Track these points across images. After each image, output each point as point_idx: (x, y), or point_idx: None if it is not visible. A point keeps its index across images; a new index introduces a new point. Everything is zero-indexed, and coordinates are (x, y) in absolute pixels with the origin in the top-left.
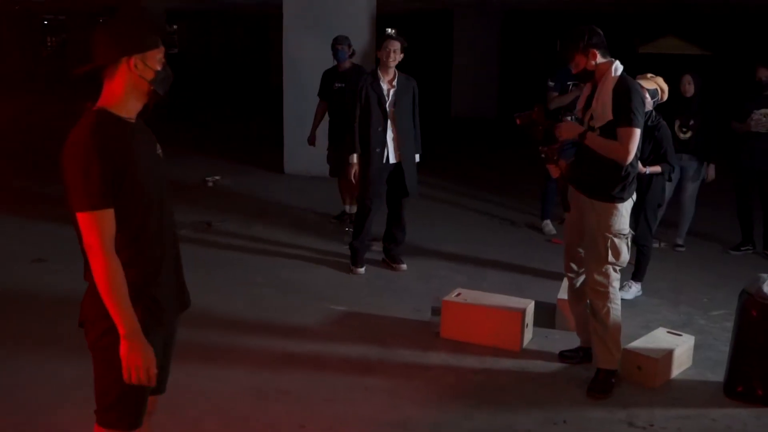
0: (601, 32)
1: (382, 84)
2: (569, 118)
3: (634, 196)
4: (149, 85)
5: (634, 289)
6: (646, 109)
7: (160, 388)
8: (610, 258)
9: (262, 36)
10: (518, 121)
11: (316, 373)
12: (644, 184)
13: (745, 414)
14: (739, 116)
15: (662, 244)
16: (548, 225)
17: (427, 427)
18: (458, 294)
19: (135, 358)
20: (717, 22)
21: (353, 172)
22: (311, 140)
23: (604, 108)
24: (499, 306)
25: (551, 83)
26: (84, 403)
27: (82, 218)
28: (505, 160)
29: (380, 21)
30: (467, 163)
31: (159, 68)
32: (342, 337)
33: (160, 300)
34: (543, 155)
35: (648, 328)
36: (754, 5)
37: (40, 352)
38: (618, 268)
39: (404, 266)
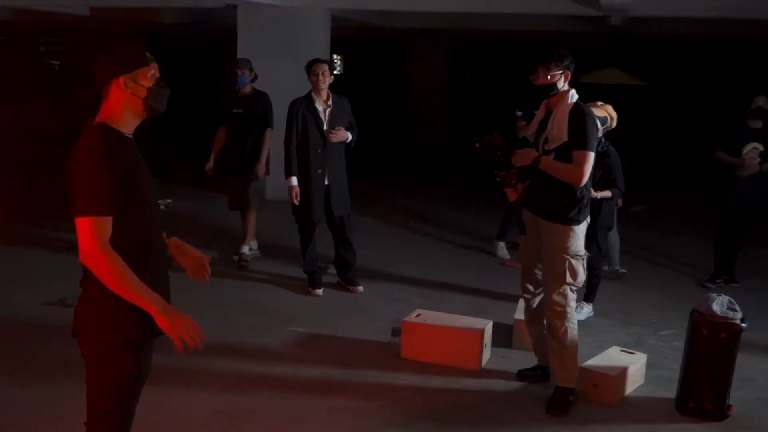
0: None
1: (317, 106)
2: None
3: (589, 219)
4: (143, 102)
5: (586, 310)
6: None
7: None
8: (568, 279)
9: (212, 60)
10: (477, 145)
11: (282, 394)
12: (595, 208)
13: (697, 429)
14: (729, 149)
15: (610, 267)
16: (502, 248)
17: None
18: (418, 315)
19: (179, 326)
20: (655, 54)
21: (294, 194)
22: (208, 170)
23: (560, 130)
24: (459, 326)
25: (519, 113)
26: (57, 422)
27: (81, 223)
28: (455, 184)
29: (335, 48)
30: (418, 187)
31: (150, 85)
32: (305, 359)
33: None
34: (500, 179)
35: (601, 347)
36: (690, 37)
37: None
38: (575, 288)
39: (360, 288)
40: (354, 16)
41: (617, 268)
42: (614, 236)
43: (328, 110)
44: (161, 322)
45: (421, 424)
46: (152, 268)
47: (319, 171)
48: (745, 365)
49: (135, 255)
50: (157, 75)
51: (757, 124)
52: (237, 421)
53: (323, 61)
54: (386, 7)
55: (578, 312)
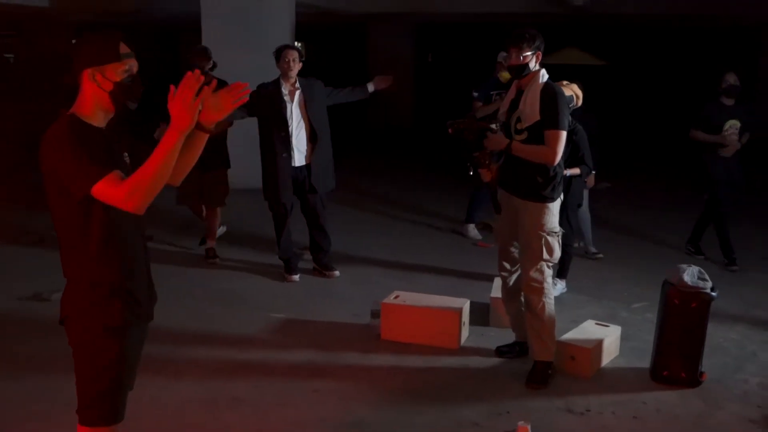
0: None
1: (283, 89)
2: (494, 125)
3: (562, 196)
4: (108, 96)
5: (559, 287)
6: None
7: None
8: (545, 255)
9: (173, 48)
10: (450, 130)
11: (265, 380)
12: (565, 185)
13: (672, 396)
14: (706, 126)
15: (580, 243)
16: (473, 230)
17: (381, 426)
18: (396, 296)
19: (184, 109)
20: (614, 34)
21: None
22: None
23: (532, 109)
24: (437, 306)
25: (476, 94)
26: (47, 414)
27: (97, 192)
28: (422, 168)
29: (298, 35)
30: (386, 171)
31: (119, 80)
32: (286, 344)
33: (136, 294)
34: (474, 161)
35: (576, 322)
36: (650, 16)
37: None
38: (551, 264)
39: (336, 273)
40: (318, 2)
41: (591, 248)
42: (585, 213)
43: (297, 92)
44: (180, 127)
45: (404, 403)
46: (125, 251)
47: (284, 154)
48: (713, 333)
49: (106, 237)
50: (132, 72)
51: (730, 102)
52: (222, 408)
53: (293, 48)
54: None
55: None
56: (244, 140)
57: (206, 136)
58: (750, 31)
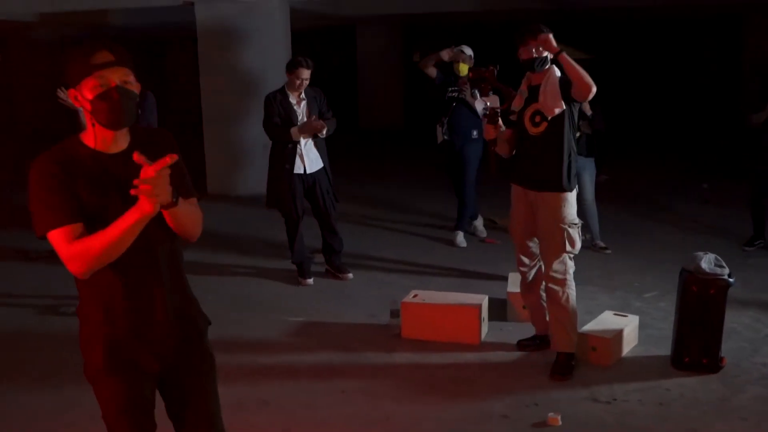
0: None
1: (291, 100)
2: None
3: (577, 188)
4: (91, 116)
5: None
6: None
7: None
8: (567, 247)
9: (160, 62)
10: (470, 75)
11: (290, 382)
12: None
13: (694, 382)
14: (756, 108)
15: (587, 236)
16: (460, 236)
17: (409, 420)
18: (415, 295)
19: (151, 195)
20: (600, 27)
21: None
22: None
23: (554, 100)
24: (456, 303)
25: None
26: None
27: (50, 240)
28: (418, 168)
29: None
30: (383, 173)
31: (92, 97)
32: (307, 347)
33: (120, 338)
34: (488, 113)
35: (591, 313)
36: (635, 10)
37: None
38: (572, 255)
39: (350, 275)
40: (308, 7)
41: (599, 242)
42: (591, 206)
43: (303, 103)
44: (145, 210)
45: (431, 398)
46: (109, 288)
47: (287, 166)
48: (726, 319)
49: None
50: (110, 85)
51: None
52: (251, 412)
53: (308, 68)
54: None
55: None
56: (249, 145)
57: (175, 209)
58: (733, 19)
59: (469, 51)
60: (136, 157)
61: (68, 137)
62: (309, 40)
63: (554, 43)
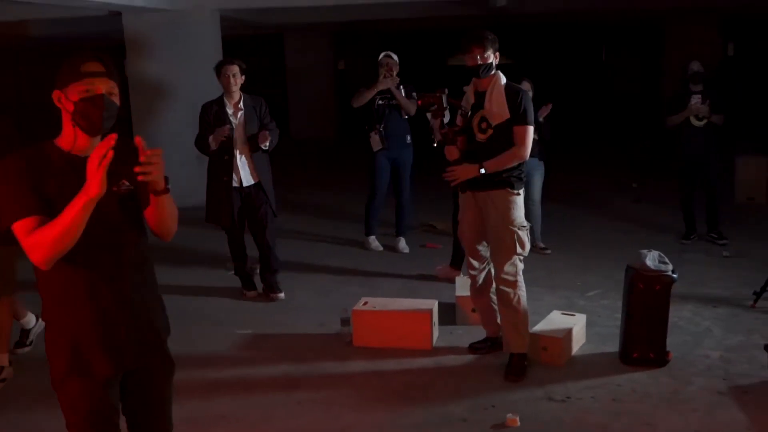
0: None
1: (227, 110)
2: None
3: (522, 191)
4: (71, 118)
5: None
6: None
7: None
8: (518, 249)
9: None
10: (419, 102)
11: (245, 396)
12: None
13: (644, 376)
14: (674, 110)
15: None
16: (374, 242)
17: (370, 429)
18: (365, 303)
19: (93, 183)
20: (521, 33)
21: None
22: None
23: (500, 108)
24: (408, 309)
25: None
26: None
27: (15, 234)
28: (352, 177)
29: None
30: (318, 182)
31: (77, 100)
32: (259, 359)
33: (83, 342)
34: (442, 137)
35: (538, 313)
36: (565, 15)
37: None
38: (522, 258)
39: (281, 295)
40: (237, 15)
41: (540, 243)
42: (538, 208)
43: (240, 113)
44: (90, 193)
45: (389, 405)
46: (73, 297)
47: (225, 178)
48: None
49: (47, 277)
50: (95, 91)
51: (698, 88)
52: (207, 427)
53: (233, 63)
54: (273, 4)
55: None
56: (181, 156)
57: (164, 198)
58: (655, 25)
59: (395, 57)
60: (138, 140)
61: (44, 141)
62: (236, 49)
63: (469, 172)
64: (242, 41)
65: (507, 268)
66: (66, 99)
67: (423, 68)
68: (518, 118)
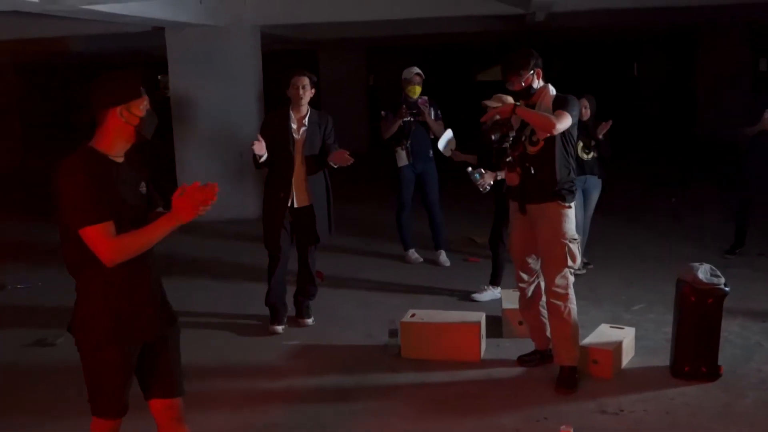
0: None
1: (291, 123)
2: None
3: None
4: (134, 130)
5: (488, 293)
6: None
7: (166, 392)
8: (569, 262)
9: None
10: (486, 129)
11: (298, 405)
12: (499, 191)
13: (696, 390)
14: (752, 121)
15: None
16: (413, 254)
17: None
18: (413, 315)
19: (188, 208)
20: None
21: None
22: None
23: None
24: (456, 321)
25: (384, 113)
26: None
27: (85, 234)
28: (385, 191)
29: None
30: (349, 196)
31: (143, 115)
32: (309, 370)
33: (127, 315)
34: (509, 160)
35: (583, 327)
36: (599, 29)
37: None
38: (573, 270)
39: (309, 321)
40: (275, 31)
41: (584, 258)
42: (587, 224)
43: (303, 129)
44: (180, 219)
45: (441, 415)
46: (124, 282)
47: (282, 194)
48: None
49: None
50: (148, 106)
51: None
52: None
53: (304, 74)
54: (309, 19)
55: (481, 294)
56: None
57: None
58: (688, 37)
59: (414, 69)
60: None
61: (80, 146)
62: (272, 64)
63: (508, 109)
64: (278, 56)
65: (558, 280)
66: (129, 113)
67: (451, 83)
68: (560, 105)
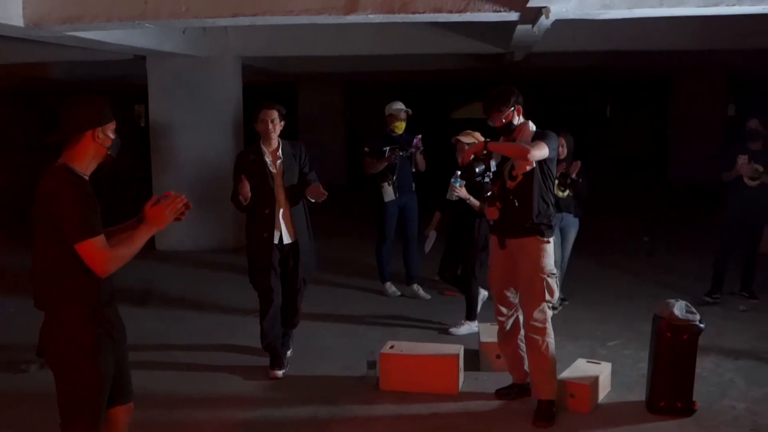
0: None
1: (266, 159)
2: (457, 183)
3: (553, 238)
4: (106, 150)
5: (465, 327)
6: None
7: (126, 397)
8: (547, 296)
9: None
10: (463, 162)
11: None
12: (472, 225)
13: (671, 425)
14: (728, 166)
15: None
16: (391, 287)
17: None
18: (392, 346)
19: (161, 216)
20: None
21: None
22: None
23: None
24: (434, 353)
25: (367, 149)
26: None
27: (82, 248)
28: (362, 225)
29: None
30: (326, 229)
31: (114, 137)
32: (287, 400)
33: (111, 319)
34: (489, 194)
35: (560, 361)
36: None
37: None
38: (551, 305)
39: (288, 352)
40: (256, 63)
41: (562, 296)
42: (565, 263)
43: (279, 162)
44: (157, 226)
45: None
46: (105, 283)
47: (265, 234)
48: None
49: (90, 281)
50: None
51: (756, 146)
52: None
53: (273, 107)
54: (290, 53)
55: (457, 328)
56: (200, 198)
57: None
58: (661, 81)
59: (400, 105)
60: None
61: (55, 165)
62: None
63: (480, 147)
64: (257, 88)
65: (536, 314)
66: (104, 135)
67: (428, 120)
68: (538, 137)
